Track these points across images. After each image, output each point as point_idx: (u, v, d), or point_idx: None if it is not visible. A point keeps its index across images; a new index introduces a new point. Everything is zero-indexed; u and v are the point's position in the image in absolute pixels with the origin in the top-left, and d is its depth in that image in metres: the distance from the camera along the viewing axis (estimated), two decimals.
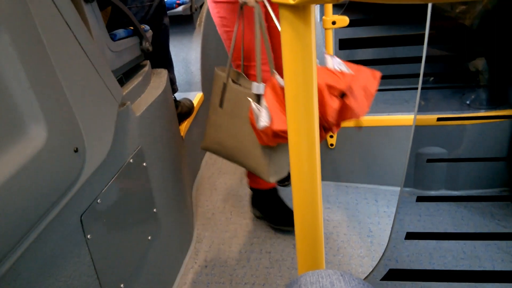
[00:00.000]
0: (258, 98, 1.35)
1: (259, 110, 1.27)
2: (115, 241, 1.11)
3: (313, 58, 0.40)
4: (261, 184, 1.82)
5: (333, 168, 2.11)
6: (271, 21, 1.49)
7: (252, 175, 1.82)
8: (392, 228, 1.17)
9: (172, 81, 1.97)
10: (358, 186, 2.07)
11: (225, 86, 1.45)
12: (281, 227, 1.83)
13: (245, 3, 1.36)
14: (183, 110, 2.07)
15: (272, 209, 1.86)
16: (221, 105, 1.47)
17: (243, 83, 1.47)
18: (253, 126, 1.32)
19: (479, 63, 1.87)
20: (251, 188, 1.88)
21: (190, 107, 2.14)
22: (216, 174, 2.30)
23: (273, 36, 1.63)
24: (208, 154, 2.52)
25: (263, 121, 1.25)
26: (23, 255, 0.77)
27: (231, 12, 1.54)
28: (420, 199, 1.18)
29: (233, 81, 1.47)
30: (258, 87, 1.34)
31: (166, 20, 1.89)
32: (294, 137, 0.46)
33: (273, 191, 1.87)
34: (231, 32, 1.57)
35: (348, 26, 1.72)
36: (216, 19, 1.62)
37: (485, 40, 1.90)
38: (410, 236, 1.15)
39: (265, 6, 1.37)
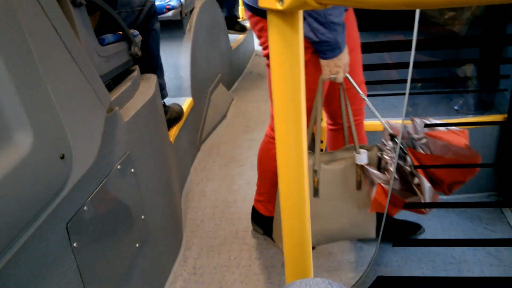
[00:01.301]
0: (361, 167, 1.33)
1: (378, 177, 1.26)
2: (102, 249, 1.10)
3: (301, 63, 0.40)
4: (263, 210, 1.78)
5: None
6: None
7: (264, 201, 1.75)
8: (380, 234, 1.17)
9: (161, 87, 1.95)
10: None
11: (316, 172, 1.32)
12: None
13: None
14: (172, 116, 2.06)
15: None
16: (316, 194, 1.34)
17: (331, 160, 1.37)
18: (377, 198, 1.27)
19: (468, 69, 1.89)
20: (261, 215, 1.79)
21: (180, 113, 2.13)
22: (205, 180, 2.29)
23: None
24: (197, 159, 2.50)
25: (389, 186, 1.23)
26: (7, 265, 0.76)
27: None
28: (407, 205, 1.18)
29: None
30: (361, 158, 1.30)
31: (157, 26, 1.88)
32: (282, 141, 0.46)
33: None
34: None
35: None
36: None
37: (473, 46, 1.92)
38: (399, 243, 1.16)
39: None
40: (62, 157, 0.87)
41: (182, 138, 2.18)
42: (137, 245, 1.29)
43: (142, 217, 1.34)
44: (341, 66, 1.25)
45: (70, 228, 0.95)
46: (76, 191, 0.97)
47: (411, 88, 1.13)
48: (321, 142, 2.03)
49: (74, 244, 0.96)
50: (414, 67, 1.00)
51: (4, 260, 0.75)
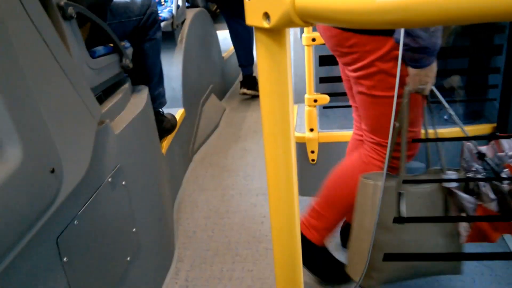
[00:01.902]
0: (448, 191, 1.23)
1: (469, 202, 1.17)
2: (93, 263, 1.08)
3: (289, 80, 0.40)
4: (316, 238, 1.52)
5: (315, 183, 2.11)
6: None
7: (310, 226, 1.51)
8: (370, 248, 1.16)
9: (161, 94, 1.96)
10: None
11: (401, 195, 1.21)
12: (334, 284, 1.59)
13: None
14: (167, 126, 2.06)
15: (324, 267, 1.58)
16: (401, 220, 1.21)
17: (413, 182, 1.25)
18: (478, 224, 1.19)
19: (454, 80, 1.91)
20: (313, 244, 1.53)
21: (173, 124, 2.13)
22: (198, 191, 2.28)
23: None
24: (189, 170, 2.50)
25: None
26: None
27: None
28: (396, 220, 1.17)
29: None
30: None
31: (158, 35, 1.88)
32: (271, 157, 0.46)
33: (324, 250, 1.59)
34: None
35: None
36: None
37: (461, 56, 1.95)
38: (389, 257, 1.14)
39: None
40: (52, 171, 0.87)
41: (174, 149, 2.17)
42: (128, 258, 1.28)
43: (133, 230, 1.33)
44: (431, 76, 1.16)
45: (60, 243, 0.94)
46: (66, 205, 0.96)
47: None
48: (312, 152, 2.04)
49: (64, 259, 0.95)
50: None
51: None
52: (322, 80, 2.08)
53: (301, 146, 2.03)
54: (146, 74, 1.85)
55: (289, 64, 0.40)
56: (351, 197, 1.33)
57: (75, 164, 0.97)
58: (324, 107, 2.18)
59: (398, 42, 1.06)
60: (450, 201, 1.23)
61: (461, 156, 1.24)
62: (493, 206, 1.15)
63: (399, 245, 1.24)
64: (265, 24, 0.37)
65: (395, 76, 1.13)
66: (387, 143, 1.23)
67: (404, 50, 1.07)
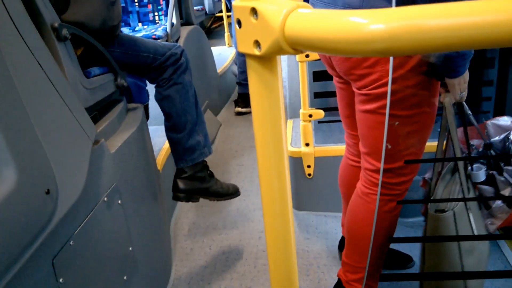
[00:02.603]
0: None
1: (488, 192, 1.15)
2: (89, 283, 1.08)
3: (281, 106, 0.41)
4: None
5: (312, 197, 2.12)
6: None
7: (350, 281, 1.39)
8: (367, 265, 1.14)
9: (200, 145, 1.72)
10: (337, 215, 2.07)
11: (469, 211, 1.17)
12: None
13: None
14: (213, 188, 1.82)
15: None
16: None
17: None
18: None
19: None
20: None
21: (235, 190, 1.93)
22: (194, 208, 2.28)
23: None
24: None
25: None
26: None
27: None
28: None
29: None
30: (478, 175, 1.17)
31: (185, 78, 1.69)
32: (266, 186, 0.46)
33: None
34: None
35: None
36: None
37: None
38: (384, 277, 1.11)
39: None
40: (48, 192, 0.87)
41: (170, 166, 2.17)
42: (125, 277, 1.27)
43: (130, 248, 1.32)
44: (467, 81, 1.13)
45: (56, 264, 0.94)
46: (62, 226, 0.96)
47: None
48: (308, 166, 2.05)
49: (61, 280, 0.95)
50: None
51: None
52: (317, 95, 2.09)
53: (297, 161, 2.03)
54: (175, 123, 1.68)
55: (281, 90, 0.41)
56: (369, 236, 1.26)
57: (70, 184, 0.97)
58: (319, 122, 2.19)
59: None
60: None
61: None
62: None
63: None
64: (256, 52, 0.38)
65: (417, 95, 1.09)
66: (386, 169, 1.19)
67: (440, 62, 1.04)
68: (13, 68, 0.82)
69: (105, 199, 1.18)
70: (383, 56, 0.30)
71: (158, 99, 1.68)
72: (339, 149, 1.97)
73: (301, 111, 1.95)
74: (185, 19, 3.13)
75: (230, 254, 1.88)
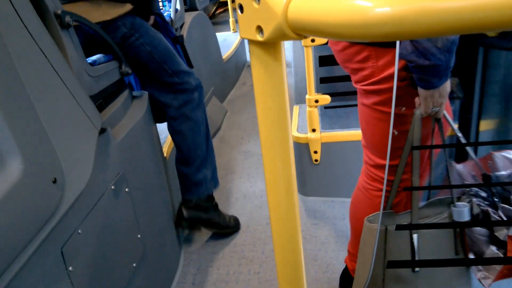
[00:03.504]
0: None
1: (482, 236, 1.04)
2: (98, 271, 1.09)
3: (285, 92, 0.40)
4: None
5: (319, 183, 2.12)
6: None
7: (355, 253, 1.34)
8: (373, 256, 1.11)
9: (206, 179, 1.77)
10: (344, 200, 2.07)
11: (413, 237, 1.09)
12: None
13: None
14: (216, 220, 1.89)
15: None
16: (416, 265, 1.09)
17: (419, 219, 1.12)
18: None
19: (454, 84, 1.88)
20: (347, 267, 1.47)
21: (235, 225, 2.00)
22: None
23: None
24: None
25: None
26: None
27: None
28: (399, 227, 1.11)
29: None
30: (462, 213, 1.05)
31: (197, 115, 1.69)
32: (271, 175, 0.46)
33: None
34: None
35: (327, 43, 1.74)
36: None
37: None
38: (392, 264, 1.08)
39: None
40: (55, 181, 0.87)
41: None
42: (134, 264, 1.29)
43: (138, 236, 1.33)
44: (444, 97, 1.00)
45: (65, 252, 0.94)
46: (70, 214, 0.96)
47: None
48: (315, 152, 2.04)
49: (70, 268, 0.96)
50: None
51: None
52: (323, 80, 2.07)
53: (304, 147, 2.03)
54: (185, 157, 1.72)
55: (284, 77, 0.40)
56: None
57: (77, 173, 0.97)
58: (326, 107, 2.17)
59: (404, 59, 0.93)
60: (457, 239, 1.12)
61: (448, 179, 1.11)
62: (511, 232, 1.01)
63: None
64: (259, 37, 0.37)
65: (410, 95, 1.02)
66: (383, 165, 1.15)
67: (411, 68, 0.94)
68: (16, 56, 0.81)
69: (112, 187, 1.19)
70: (389, 40, 0.29)
71: (170, 132, 1.72)
72: (345, 134, 1.96)
73: (307, 96, 1.94)
74: (189, 5, 3.10)
75: (238, 240, 1.89)
